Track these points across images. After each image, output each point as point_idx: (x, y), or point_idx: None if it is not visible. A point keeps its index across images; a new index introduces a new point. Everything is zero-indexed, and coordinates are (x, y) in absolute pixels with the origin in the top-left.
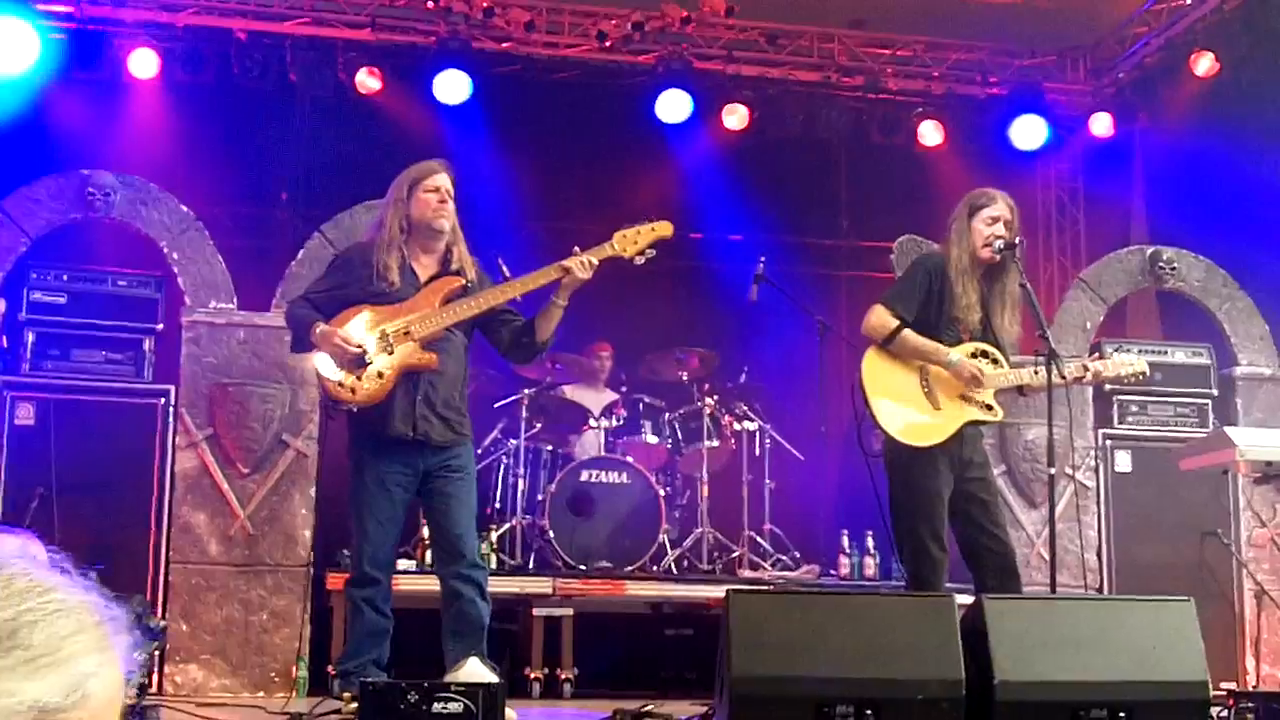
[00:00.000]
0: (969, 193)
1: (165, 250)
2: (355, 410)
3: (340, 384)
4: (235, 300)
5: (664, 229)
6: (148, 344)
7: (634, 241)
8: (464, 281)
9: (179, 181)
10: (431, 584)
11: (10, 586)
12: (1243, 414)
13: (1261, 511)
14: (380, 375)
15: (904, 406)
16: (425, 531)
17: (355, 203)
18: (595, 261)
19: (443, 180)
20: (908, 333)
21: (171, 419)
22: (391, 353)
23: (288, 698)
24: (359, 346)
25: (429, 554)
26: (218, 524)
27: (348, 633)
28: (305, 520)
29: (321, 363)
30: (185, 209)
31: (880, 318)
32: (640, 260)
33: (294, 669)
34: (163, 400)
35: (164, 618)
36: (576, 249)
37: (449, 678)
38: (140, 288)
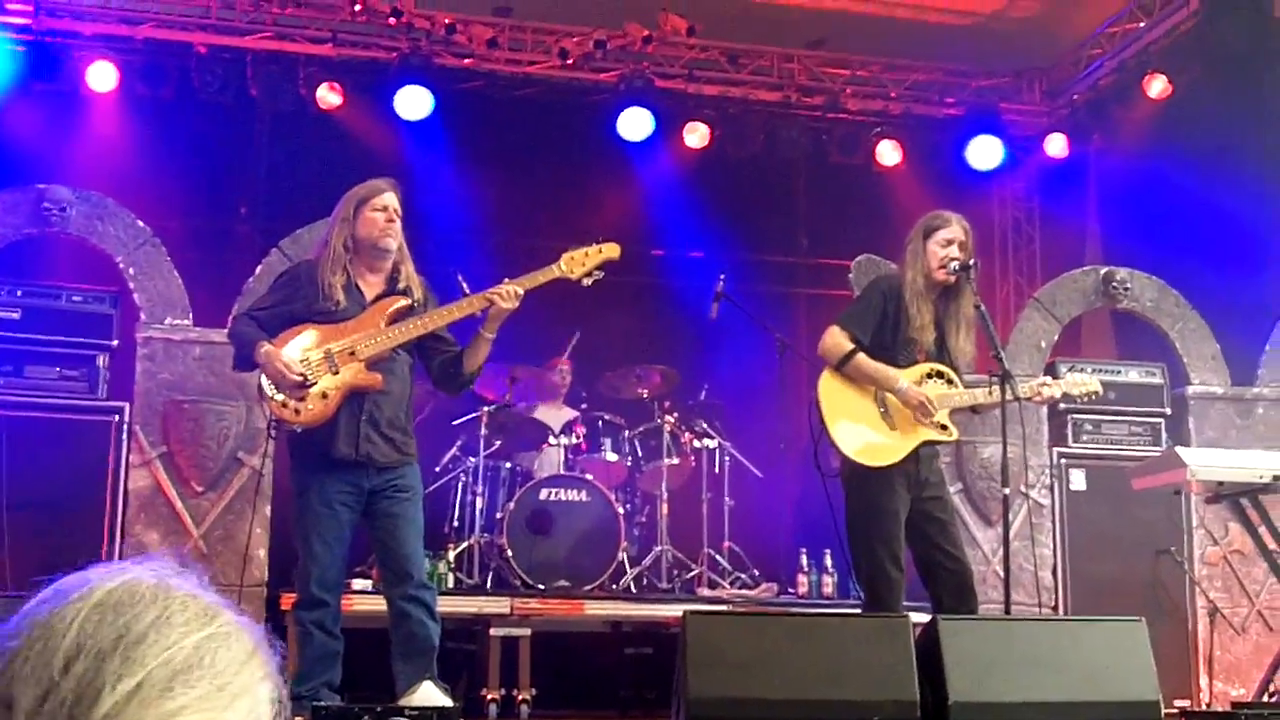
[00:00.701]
0: (925, 215)
1: (121, 266)
2: (299, 430)
3: (284, 404)
4: (191, 316)
5: (611, 251)
6: (102, 360)
7: (581, 263)
8: (410, 301)
9: (137, 195)
10: (382, 605)
11: (188, 609)
12: (1195, 433)
13: (1214, 530)
14: (324, 396)
15: (860, 426)
16: None
17: (315, 218)
18: (521, 291)
19: (390, 199)
20: (861, 357)
21: (125, 436)
22: (336, 372)
23: None
24: (300, 375)
25: None
26: (171, 543)
27: (297, 655)
28: (260, 539)
29: (266, 382)
30: (142, 224)
31: (836, 339)
32: (588, 282)
33: None
34: (117, 417)
35: None
36: (506, 280)
37: (403, 702)
38: (95, 303)
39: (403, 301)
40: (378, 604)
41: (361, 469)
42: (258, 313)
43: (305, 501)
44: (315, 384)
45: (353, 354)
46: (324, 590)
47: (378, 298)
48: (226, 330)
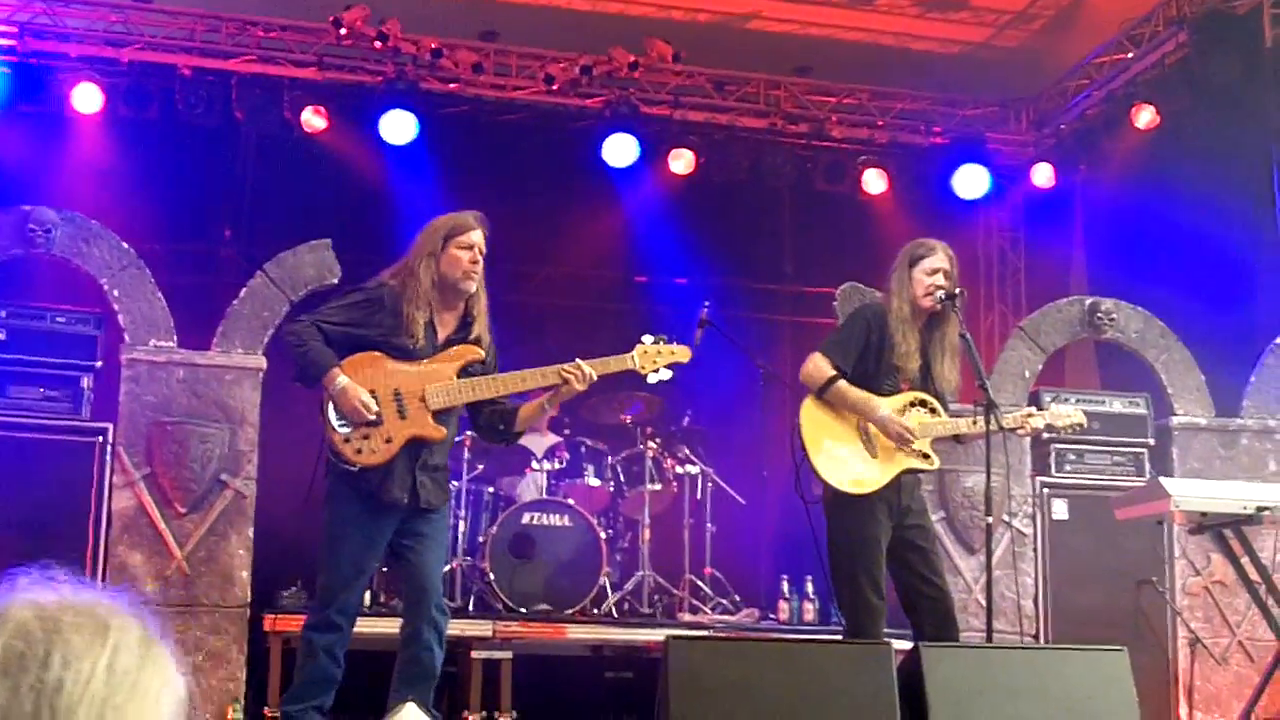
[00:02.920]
0: (909, 243)
1: (106, 287)
2: (356, 470)
3: (347, 440)
4: (175, 338)
5: (683, 355)
6: (86, 381)
7: (653, 360)
8: (482, 354)
9: (121, 217)
10: (376, 626)
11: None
12: (1178, 463)
13: (1196, 560)
14: (388, 441)
15: (842, 453)
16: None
17: (299, 241)
18: (595, 376)
19: (478, 237)
20: (842, 384)
21: (109, 457)
22: (404, 417)
23: None
24: (376, 414)
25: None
26: (154, 564)
27: (295, 673)
28: (243, 561)
29: (334, 414)
30: (126, 246)
31: (817, 366)
32: (654, 379)
33: (229, 710)
34: (100, 438)
35: None
36: (577, 359)
37: None
38: (80, 324)
39: (475, 354)
40: (365, 626)
41: (408, 509)
42: (326, 325)
43: (345, 531)
44: (382, 423)
45: (423, 401)
46: (342, 616)
47: (449, 339)
48: (286, 331)
